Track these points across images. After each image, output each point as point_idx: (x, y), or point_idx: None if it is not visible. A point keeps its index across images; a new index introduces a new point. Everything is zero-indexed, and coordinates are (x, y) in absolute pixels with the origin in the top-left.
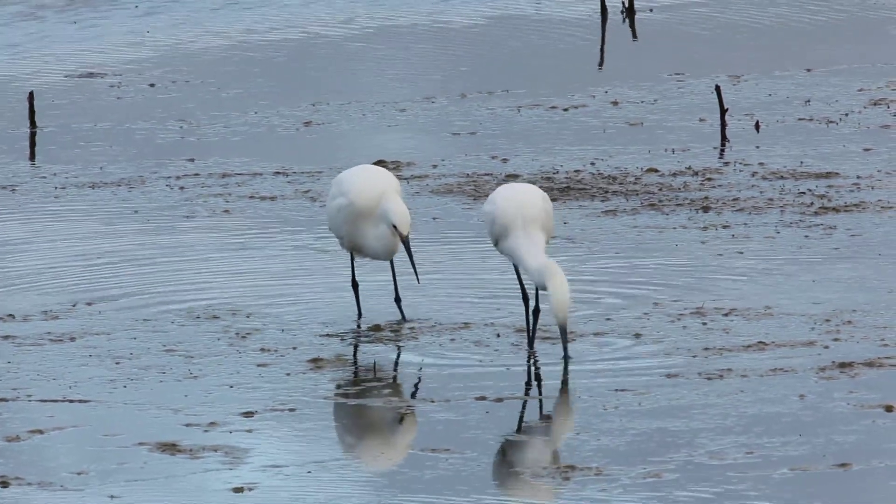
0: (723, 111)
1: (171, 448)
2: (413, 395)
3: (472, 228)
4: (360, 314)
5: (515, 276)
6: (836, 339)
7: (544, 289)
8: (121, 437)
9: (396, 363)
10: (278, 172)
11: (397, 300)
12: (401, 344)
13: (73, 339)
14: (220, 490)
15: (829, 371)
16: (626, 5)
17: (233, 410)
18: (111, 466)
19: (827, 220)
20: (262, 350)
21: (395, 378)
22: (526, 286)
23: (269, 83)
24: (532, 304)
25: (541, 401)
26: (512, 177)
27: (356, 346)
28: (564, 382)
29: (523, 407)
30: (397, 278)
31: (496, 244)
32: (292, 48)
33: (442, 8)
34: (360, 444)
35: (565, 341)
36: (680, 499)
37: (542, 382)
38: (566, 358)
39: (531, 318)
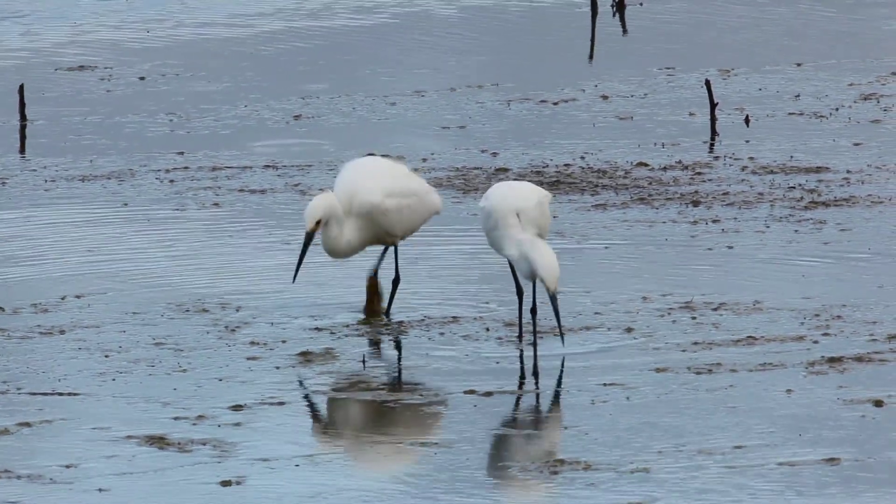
0: (713, 105)
1: (159, 441)
2: (402, 389)
3: (461, 222)
4: (388, 311)
5: (510, 270)
6: (825, 334)
7: (531, 267)
8: (110, 431)
9: (385, 357)
10: (268, 166)
11: (395, 281)
12: (390, 338)
13: (62, 332)
14: (209, 483)
15: (819, 366)
16: None
17: (222, 404)
18: (100, 460)
19: (817, 215)
20: (252, 343)
21: (384, 372)
22: (522, 283)
23: (259, 76)
24: (529, 302)
25: (530, 395)
26: (502, 170)
27: (346, 340)
28: (562, 366)
29: (512, 401)
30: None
31: (488, 238)
32: (282, 41)
33: (431, 0)
34: (348, 438)
35: (558, 311)
36: (668, 493)
37: (531, 377)
38: (561, 332)
39: (529, 315)
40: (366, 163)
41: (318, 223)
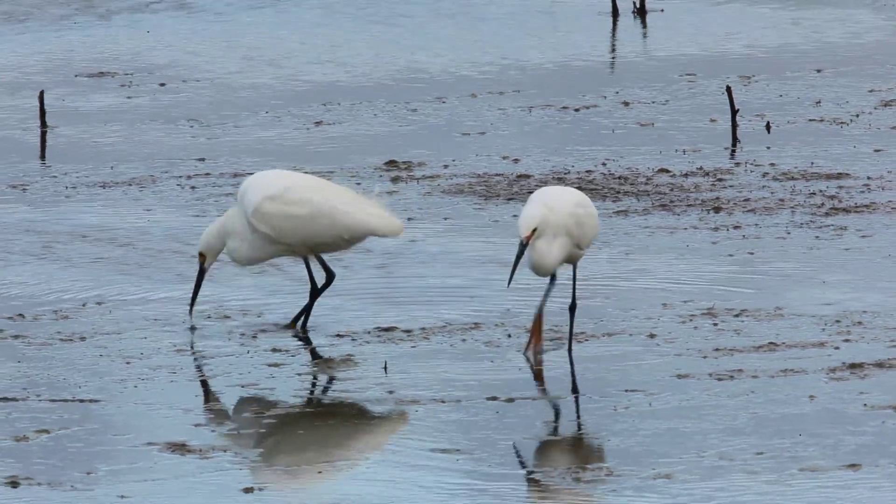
0: (734, 112)
1: (181, 448)
2: (423, 395)
3: (483, 228)
4: (305, 323)
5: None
6: (846, 340)
7: (536, 267)
8: (130, 437)
9: (407, 363)
10: None
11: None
12: (413, 345)
13: (83, 339)
14: (230, 490)
15: (840, 372)
16: (638, 5)
17: (243, 410)
18: (121, 466)
19: (837, 221)
20: (274, 350)
21: (406, 378)
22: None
23: (280, 83)
24: (569, 301)
25: (552, 401)
26: (523, 177)
27: (367, 347)
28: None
29: (534, 407)
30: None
31: None
32: (302, 46)
33: (456, 5)
34: (370, 445)
35: (518, 258)
36: (690, 500)
37: (553, 383)
38: (511, 277)
39: (569, 315)
40: (268, 172)
41: (202, 256)
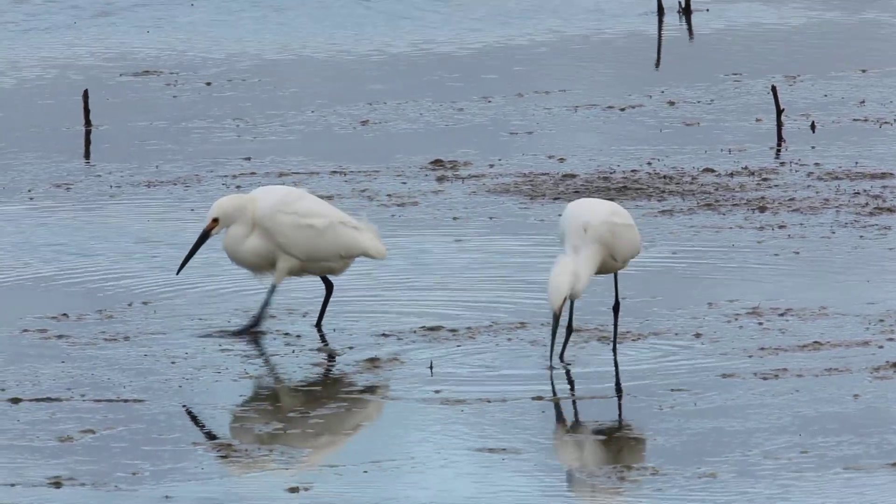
0: (779, 111)
1: (226, 448)
2: (469, 395)
3: (527, 228)
4: (320, 323)
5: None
6: (890, 339)
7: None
8: (175, 437)
9: (452, 363)
10: (335, 171)
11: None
12: (459, 344)
13: (126, 339)
14: (276, 490)
15: (884, 371)
16: (683, 4)
17: (288, 410)
18: (166, 466)
19: (882, 221)
20: (318, 350)
21: (451, 377)
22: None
23: (326, 81)
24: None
25: (597, 400)
26: (569, 176)
27: (413, 346)
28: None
29: (580, 407)
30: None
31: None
32: (349, 45)
33: (499, 4)
34: (415, 444)
35: (553, 333)
36: (735, 499)
37: (598, 383)
38: (551, 354)
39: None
40: (277, 187)
41: (215, 221)
